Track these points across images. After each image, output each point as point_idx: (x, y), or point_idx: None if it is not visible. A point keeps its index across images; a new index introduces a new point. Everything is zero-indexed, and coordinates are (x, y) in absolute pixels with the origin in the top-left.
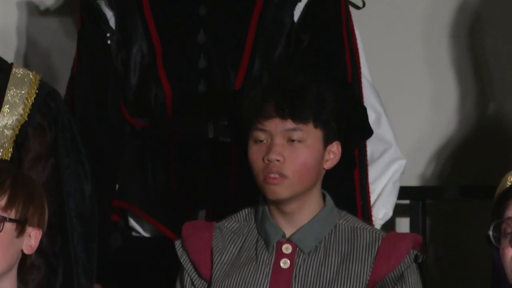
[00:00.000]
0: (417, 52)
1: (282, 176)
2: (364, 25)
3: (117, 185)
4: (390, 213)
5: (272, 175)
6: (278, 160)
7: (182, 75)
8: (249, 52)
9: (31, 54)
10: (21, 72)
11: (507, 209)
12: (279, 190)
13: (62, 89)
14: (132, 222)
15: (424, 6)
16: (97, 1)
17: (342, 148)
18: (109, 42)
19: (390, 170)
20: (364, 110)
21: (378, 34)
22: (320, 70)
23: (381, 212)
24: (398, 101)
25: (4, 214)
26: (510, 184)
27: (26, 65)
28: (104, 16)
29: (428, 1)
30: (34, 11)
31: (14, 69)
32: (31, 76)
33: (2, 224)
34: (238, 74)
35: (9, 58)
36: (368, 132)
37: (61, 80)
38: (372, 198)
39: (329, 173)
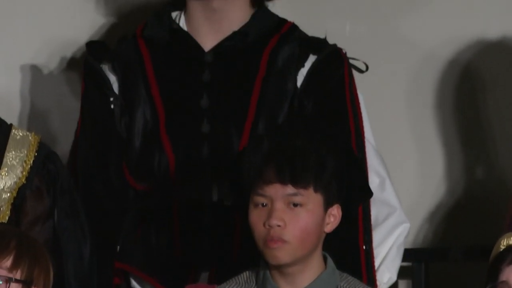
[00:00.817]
0: (402, 120)
1: (283, 241)
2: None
3: (118, 247)
4: (394, 277)
5: (273, 240)
6: (279, 225)
7: (186, 140)
8: (253, 117)
9: (34, 117)
10: (21, 134)
11: (500, 273)
12: (280, 255)
13: (65, 152)
14: (134, 284)
15: (407, 78)
16: (101, 66)
17: (343, 210)
18: (112, 106)
19: (395, 234)
20: (363, 171)
21: (365, 97)
22: (321, 134)
23: (386, 276)
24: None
25: (10, 275)
26: (503, 248)
27: (29, 128)
28: (107, 80)
29: (412, 74)
30: (38, 74)
31: (13, 131)
32: (30, 138)
33: (8, 284)
34: (241, 139)
35: (12, 121)
36: (368, 193)
37: (64, 143)
38: (377, 262)
39: (333, 235)
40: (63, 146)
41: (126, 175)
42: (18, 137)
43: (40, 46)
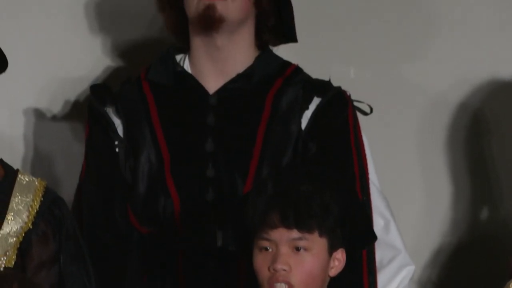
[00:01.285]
0: (407, 161)
1: (289, 285)
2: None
3: None
4: None
5: (278, 285)
6: (284, 270)
7: (190, 184)
8: (257, 160)
9: (38, 161)
10: (27, 179)
11: None
12: None
13: (68, 196)
14: None
15: (418, 119)
16: (105, 109)
17: (347, 253)
18: (117, 150)
19: (399, 277)
20: (368, 216)
21: (371, 140)
22: (325, 178)
23: None
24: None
25: None
26: None
27: (33, 172)
28: (112, 124)
29: (417, 117)
30: (41, 118)
31: (19, 176)
32: (36, 183)
33: None
34: (246, 182)
35: (16, 165)
36: (372, 238)
37: (68, 187)
38: None
39: (337, 279)
40: (67, 190)
41: (131, 218)
42: (24, 182)
43: (43, 88)
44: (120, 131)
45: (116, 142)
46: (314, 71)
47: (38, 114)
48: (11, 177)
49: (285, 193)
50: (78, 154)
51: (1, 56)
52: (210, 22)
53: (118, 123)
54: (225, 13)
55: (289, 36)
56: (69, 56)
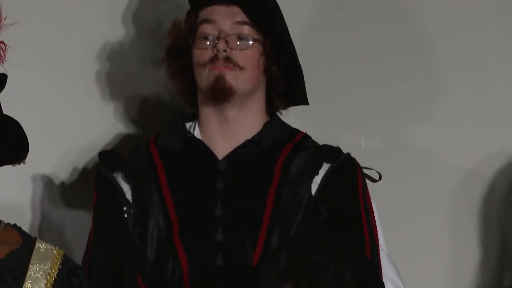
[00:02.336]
0: (419, 228)
1: None
2: (383, 193)
3: None
4: None
5: None
6: None
7: (199, 249)
8: (267, 226)
9: (46, 228)
10: (44, 247)
11: None
12: None
13: (77, 263)
14: None
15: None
16: (114, 174)
17: None
18: (126, 215)
19: None
20: (381, 285)
21: (384, 207)
22: (338, 245)
23: None
24: (414, 268)
25: None
26: None
27: (40, 238)
28: (120, 189)
29: (428, 184)
30: (49, 185)
31: (37, 244)
32: (54, 251)
33: None
34: (256, 248)
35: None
36: None
37: (76, 254)
38: None
39: None
40: (76, 257)
41: (140, 283)
42: (42, 250)
43: (53, 155)
44: (129, 196)
45: (125, 208)
46: (323, 140)
47: (47, 181)
48: (29, 245)
49: (299, 264)
50: (87, 221)
51: (23, 144)
52: (221, 93)
53: (127, 188)
54: (235, 84)
55: (300, 99)
56: (80, 123)
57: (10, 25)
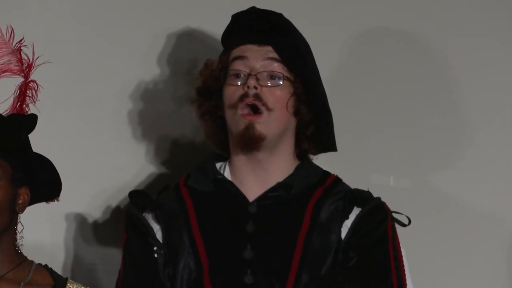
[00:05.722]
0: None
1: None
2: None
3: None
4: None
5: None
6: None
7: None
8: (296, 269)
9: (77, 269)
10: None
11: None
12: None
13: None
14: None
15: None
16: (144, 214)
17: None
18: (156, 255)
19: None
20: None
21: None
22: None
23: None
24: None
25: None
26: None
27: (73, 279)
28: (151, 229)
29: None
30: (81, 225)
31: (68, 285)
32: None
33: None
34: None
35: (56, 271)
36: None
37: None
38: None
39: None
40: None
41: None
42: None
43: (85, 195)
44: (159, 236)
45: (155, 248)
46: (353, 181)
47: (79, 221)
48: (60, 286)
49: None
50: (117, 260)
51: (56, 182)
52: (251, 142)
53: (157, 228)
54: (264, 131)
55: (329, 145)
56: (113, 163)
57: (42, 64)
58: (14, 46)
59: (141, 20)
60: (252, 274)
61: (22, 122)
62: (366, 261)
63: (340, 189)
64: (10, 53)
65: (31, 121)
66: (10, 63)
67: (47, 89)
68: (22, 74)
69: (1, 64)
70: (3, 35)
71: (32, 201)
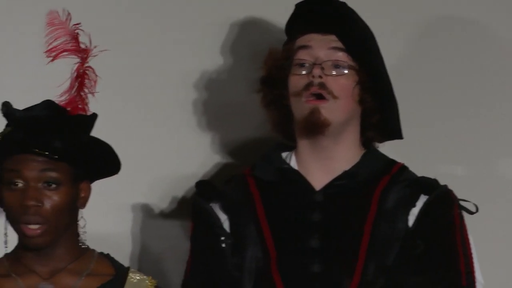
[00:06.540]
0: None
1: None
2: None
3: None
4: None
5: None
6: None
7: (297, 280)
8: (364, 257)
9: (144, 258)
10: (138, 277)
11: None
12: None
13: None
14: None
15: None
16: (210, 205)
17: None
18: (223, 245)
19: None
20: None
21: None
22: (435, 272)
23: None
24: None
25: None
26: None
27: (139, 269)
28: (218, 219)
29: None
30: (149, 215)
31: (130, 274)
32: (147, 281)
33: None
34: (352, 279)
35: (124, 262)
36: None
37: (176, 285)
38: None
39: None
40: None
41: None
42: (135, 280)
43: (152, 185)
44: (226, 226)
45: (222, 238)
46: (420, 170)
47: (146, 211)
48: (121, 275)
49: (396, 285)
50: (186, 251)
51: (115, 160)
52: (316, 127)
53: (224, 218)
54: (330, 116)
55: (394, 132)
56: (178, 153)
57: (100, 51)
58: (71, 27)
59: (204, 9)
60: (320, 263)
61: (83, 124)
62: (433, 249)
63: (406, 177)
64: (67, 34)
65: (92, 122)
66: (67, 43)
67: (107, 79)
68: (80, 55)
69: (59, 45)
70: (60, 17)
71: (92, 180)
